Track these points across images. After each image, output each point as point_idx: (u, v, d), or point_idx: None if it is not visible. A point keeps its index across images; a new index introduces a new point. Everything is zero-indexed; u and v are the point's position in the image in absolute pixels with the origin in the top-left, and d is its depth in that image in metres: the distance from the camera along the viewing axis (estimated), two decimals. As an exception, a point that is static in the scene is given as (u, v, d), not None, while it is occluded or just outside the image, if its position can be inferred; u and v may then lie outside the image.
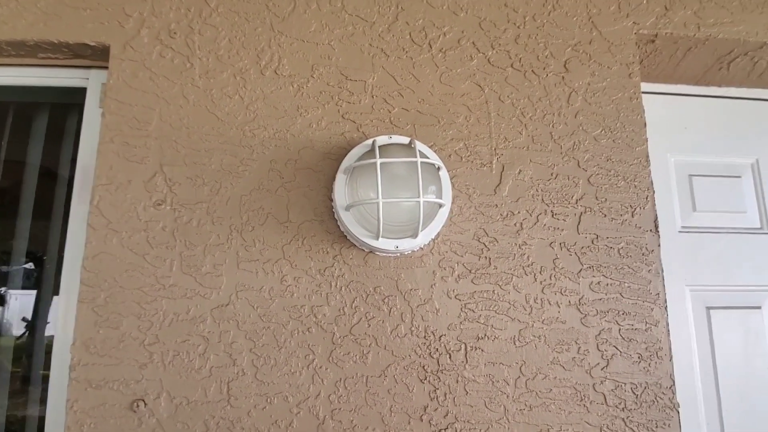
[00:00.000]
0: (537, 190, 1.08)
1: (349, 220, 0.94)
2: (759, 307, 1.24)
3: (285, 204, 1.01)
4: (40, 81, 1.14)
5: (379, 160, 0.86)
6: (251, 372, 0.94)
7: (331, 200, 1.02)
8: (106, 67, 1.12)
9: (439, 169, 0.95)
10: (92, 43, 1.05)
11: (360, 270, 1.00)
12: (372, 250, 0.99)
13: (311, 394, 0.95)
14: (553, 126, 1.11)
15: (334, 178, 1.03)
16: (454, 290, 1.01)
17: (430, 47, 1.11)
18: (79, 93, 1.15)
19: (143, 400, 0.91)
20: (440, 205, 0.94)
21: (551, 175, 1.09)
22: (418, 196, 0.86)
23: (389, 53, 1.10)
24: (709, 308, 1.23)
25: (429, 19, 1.13)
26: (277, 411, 0.93)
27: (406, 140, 0.97)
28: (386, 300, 0.99)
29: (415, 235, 0.92)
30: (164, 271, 0.96)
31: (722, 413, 1.17)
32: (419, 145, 0.94)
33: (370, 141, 0.97)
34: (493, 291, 1.02)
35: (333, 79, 1.08)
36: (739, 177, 1.32)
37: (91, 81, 1.14)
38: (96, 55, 1.09)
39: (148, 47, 1.05)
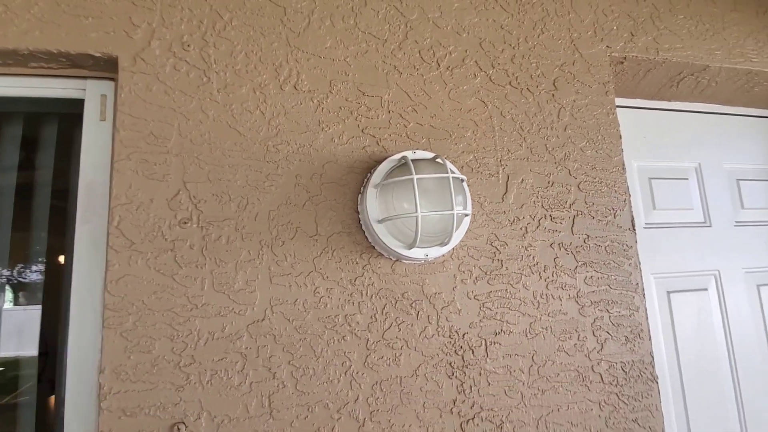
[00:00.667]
0: (537, 197, 1.17)
1: (381, 232, 0.97)
2: (706, 289, 1.44)
3: (313, 218, 1.01)
4: (30, 92, 1.03)
5: (415, 176, 0.90)
6: (291, 384, 0.94)
7: (358, 212, 1.03)
8: (105, 78, 1.05)
9: (463, 181, 1.00)
10: (97, 54, 0.97)
11: (388, 278, 1.03)
12: (398, 258, 1.03)
13: (350, 399, 0.96)
14: (547, 139, 1.21)
15: (359, 191, 1.04)
16: (473, 291, 1.07)
17: (438, 65, 1.16)
18: (74, 104, 1.05)
19: (183, 423, 0.88)
20: (466, 215, 0.99)
21: (548, 183, 1.19)
22: (451, 209, 0.91)
23: (402, 70, 1.13)
24: (669, 292, 1.40)
25: (435, 38, 1.17)
26: (319, 419, 0.94)
27: (429, 155, 1.02)
28: (414, 305, 1.03)
29: (444, 244, 0.97)
30: (195, 291, 0.93)
31: (683, 380, 1.35)
32: (443, 158, 0.99)
33: (397, 156, 1.00)
34: (506, 290, 1.10)
35: (351, 95, 1.09)
36: (686, 179, 1.51)
37: (89, 92, 1.05)
38: (96, 66, 1.01)
39: (160, 59, 0.99)
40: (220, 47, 1.03)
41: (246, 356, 0.93)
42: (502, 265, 1.11)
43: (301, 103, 1.05)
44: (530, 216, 1.15)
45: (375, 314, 1.01)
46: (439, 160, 0.98)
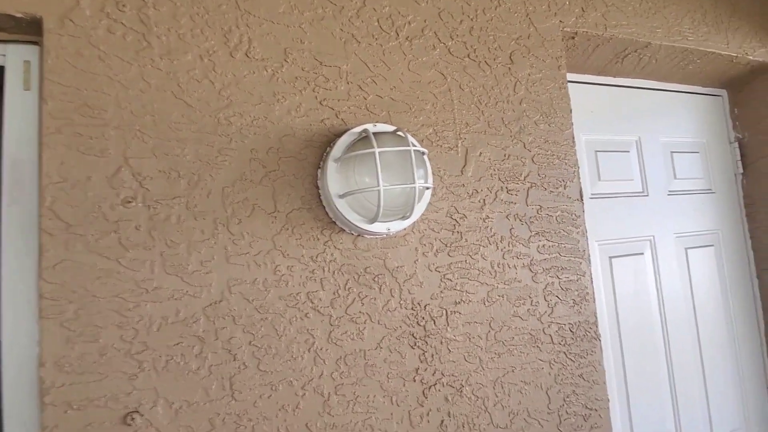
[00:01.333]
0: (494, 170, 1.17)
1: (343, 207, 0.92)
2: (642, 254, 1.53)
3: (271, 194, 0.95)
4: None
5: (377, 150, 0.86)
6: (253, 364, 0.90)
7: (318, 188, 0.98)
8: (29, 42, 0.91)
9: (424, 154, 0.98)
10: (18, 15, 0.83)
11: (350, 253, 1.00)
12: (360, 233, 1.00)
13: (314, 375, 0.94)
14: (503, 112, 1.20)
15: (318, 166, 0.99)
16: (434, 264, 1.07)
17: (398, 35, 1.10)
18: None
19: (137, 411, 0.82)
20: (427, 188, 0.97)
21: (504, 156, 1.19)
22: (413, 182, 0.88)
23: (360, 39, 1.07)
24: (611, 257, 1.48)
25: (394, 6, 1.11)
26: (283, 396, 0.91)
27: (390, 128, 0.97)
28: (376, 279, 1.01)
29: (405, 217, 0.95)
30: (145, 274, 0.85)
31: (621, 337, 1.44)
32: (404, 131, 0.95)
33: (358, 129, 0.95)
34: (466, 261, 1.10)
35: (308, 65, 1.01)
36: (627, 151, 1.57)
37: (10, 58, 0.90)
38: (18, 28, 0.87)
39: (92, 21, 0.87)
40: (161, 8, 0.92)
41: (204, 339, 0.87)
42: (461, 237, 1.10)
43: (254, 73, 0.97)
44: (488, 189, 1.15)
45: (338, 290, 0.98)
46: (400, 133, 0.94)
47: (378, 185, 0.85)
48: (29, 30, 0.87)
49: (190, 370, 0.86)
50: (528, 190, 1.20)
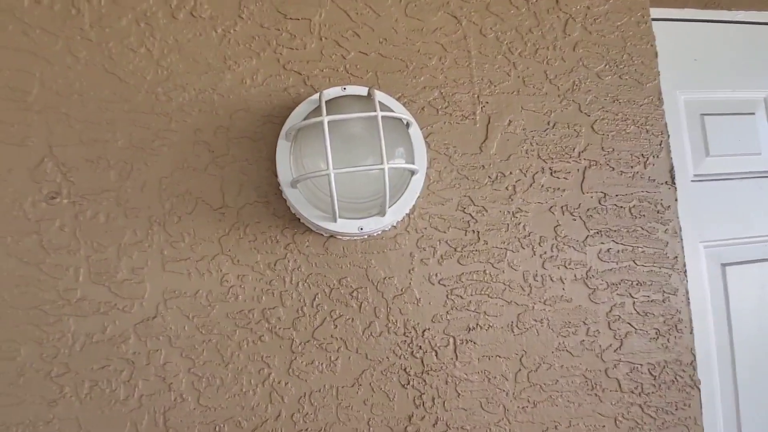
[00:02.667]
0: (531, 144, 0.80)
1: (297, 199, 0.67)
2: (776, 259, 1.02)
3: (218, 185, 0.73)
4: None
5: (326, 118, 0.58)
6: (192, 397, 0.69)
7: (277, 176, 0.73)
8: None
9: (408, 125, 0.67)
10: (-63, -12, 0.71)
11: (320, 260, 0.73)
12: (333, 234, 0.73)
13: (269, 416, 0.70)
14: (547, 63, 0.82)
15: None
16: (437, 274, 0.76)
17: (390, -30, 0.80)
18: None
19: (59, 444, 0.66)
20: (412, 172, 0.66)
21: (548, 124, 0.81)
22: (381, 162, 0.58)
23: (337, -20, 0.78)
24: (724, 265, 1.00)
25: (385, -68, 0.80)
26: (231, 439, 0.69)
27: (362, 90, 0.68)
28: (355, 294, 0.74)
29: (382, 213, 0.65)
30: (68, 283, 0.69)
31: (737, 383, 0.96)
32: (380, 95, 0.65)
33: (316, 95, 0.68)
34: (485, 271, 0.77)
35: (268, 20, 0.76)
36: (752, 114, 1.05)
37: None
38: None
39: (14, -11, 0.72)
40: (92, -33, 0.74)
41: (134, 363, 0.68)
42: (479, 238, 0.77)
43: (200, 35, 0.75)
44: (520, 170, 0.79)
45: (302, 307, 0.72)
46: (372, 94, 0.65)
47: (327, 168, 0.57)
48: (-43, 8, 0.75)
49: (117, 399, 0.68)
50: (584, 171, 0.81)
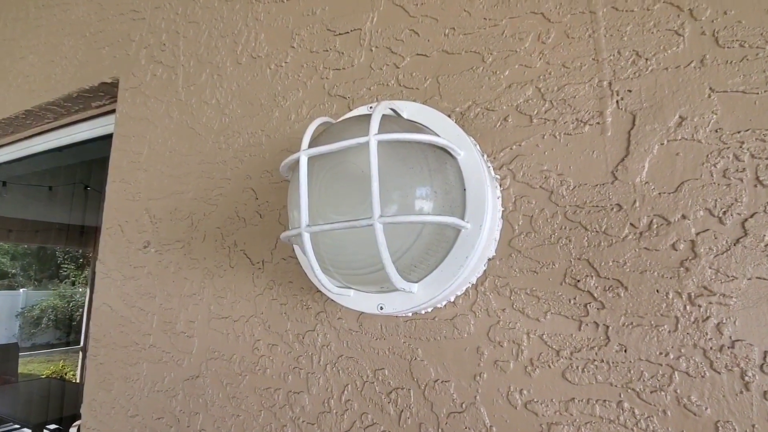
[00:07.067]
0: (739, 159, 0.40)
1: (304, 260, 0.51)
2: None
3: (259, 236, 0.65)
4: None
5: (303, 153, 0.41)
6: (220, 478, 0.61)
7: (310, 225, 0.60)
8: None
9: (452, 153, 0.42)
10: (109, 80, 0.92)
11: (352, 339, 0.55)
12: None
13: None
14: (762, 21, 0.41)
15: (313, 191, 0.61)
16: (522, 391, 0.45)
17: (460, -68, 0.57)
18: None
19: (129, 484, 0.70)
20: (459, 228, 0.41)
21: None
22: (370, 216, 0.37)
23: (391, -29, 0.61)
24: None
25: None
26: None
27: (401, 105, 0.48)
28: (393, 395, 0.51)
29: (402, 287, 0.42)
30: (147, 327, 0.74)
31: None
32: (410, 109, 0.44)
33: (319, 120, 0.51)
34: (621, 404, 0.41)
35: (318, 42, 0.66)
36: None
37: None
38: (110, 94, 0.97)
39: (144, 69, 0.86)
40: (188, 34, 0.81)
41: (179, 422, 0.66)
42: (608, 337, 0.42)
43: (256, 75, 0.71)
44: (709, 211, 0.40)
45: (329, 400, 0.55)
46: (388, 108, 0.44)
47: (299, 224, 0.40)
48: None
49: (166, 456, 0.67)
50: None
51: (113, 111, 1.02)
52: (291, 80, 0.67)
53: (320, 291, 0.58)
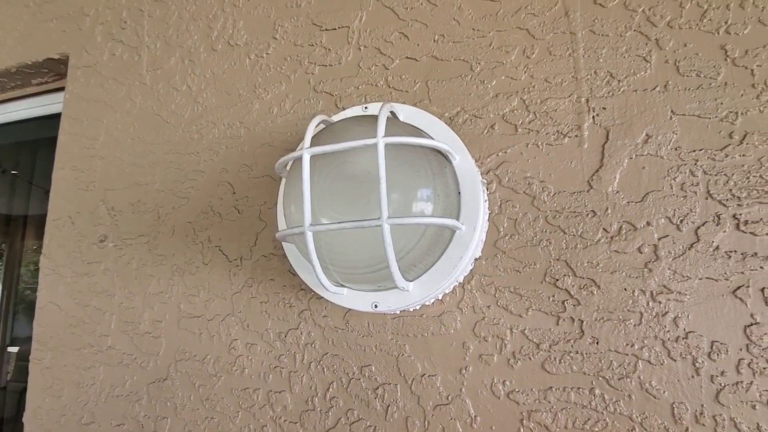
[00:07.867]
0: (694, 174, 0.46)
1: (295, 259, 0.51)
2: None
3: (237, 232, 0.63)
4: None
5: (306, 151, 0.41)
6: (191, 483, 0.59)
7: (294, 222, 0.59)
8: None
9: (448, 157, 0.44)
10: (56, 56, 0.83)
11: (338, 336, 0.55)
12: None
13: None
14: (726, 31, 0.47)
15: (298, 188, 0.60)
16: (505, 382, 0.48)
17: (451, -58, 0.59)
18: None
19: (82, 497, 0.65)
20: (453, 228, 0.43)
21: (729, 137, 0.46)
22: (379, 216, 0.37)
23: (382, -29, 0.61)
24: None
25: None
26: None
27: (398, 107, 0.49)
28: (380, 391, 0.53)
29: (399, 286, 0.44)
30: (103, 329, 0.68)
31: None
32: (406, 112, 0.45)
33: (317, 118, 0.51)
34: (593, 391, 0.46)
35: (302, 36, 0.65)
36: None
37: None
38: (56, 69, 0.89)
39: (101, 47, 0.79)
40: (154, 14, 0.76)
41: (143, 427, 0.63)
42: (582, 331, 0.47)
43: (234, 64, 0.68)
44: (669, 219, 0.46)
45: (312, 398, 0.55)
46: (385, 108, 0.45)
47: (303, 222, 0.40)
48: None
49: (127, 464, 0.63)
50: (820, 223, 0.42)
51: (56, 90, 0.93)
52: (273, 72, 0.65)
53: (304, 289, 0.57)
